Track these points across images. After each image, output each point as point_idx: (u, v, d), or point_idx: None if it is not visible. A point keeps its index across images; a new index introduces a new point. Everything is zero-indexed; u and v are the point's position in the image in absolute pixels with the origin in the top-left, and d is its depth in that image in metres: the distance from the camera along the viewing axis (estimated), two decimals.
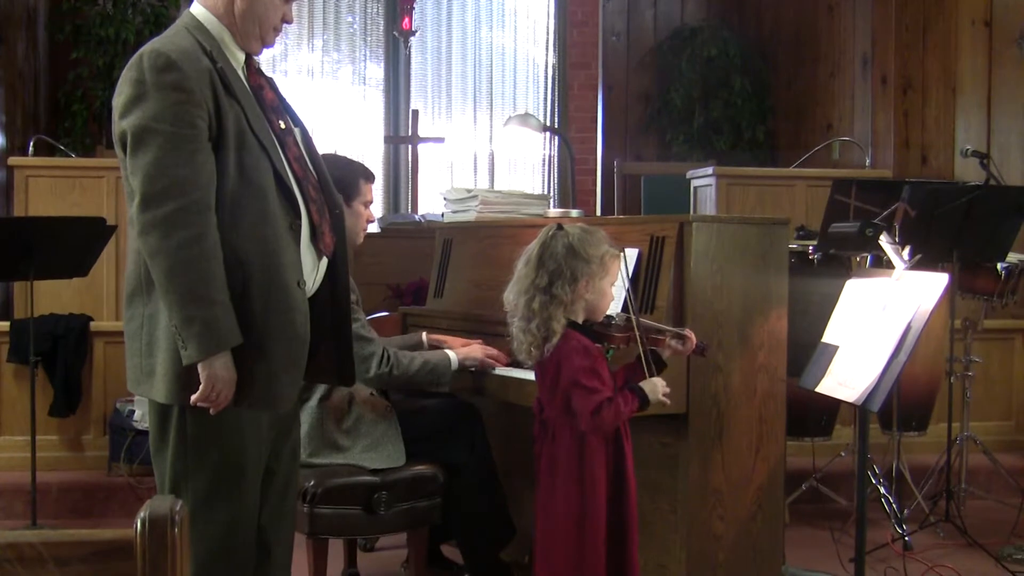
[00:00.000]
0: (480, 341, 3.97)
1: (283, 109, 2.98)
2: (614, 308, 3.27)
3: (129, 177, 2.71)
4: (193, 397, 2.67)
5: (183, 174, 2.64)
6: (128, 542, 1.29)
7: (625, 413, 3.04)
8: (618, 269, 3.15)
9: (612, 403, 3.00)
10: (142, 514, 1.30)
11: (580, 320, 3.09)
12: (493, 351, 3.87)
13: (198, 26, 2.82)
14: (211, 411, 2.70)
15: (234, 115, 2.75)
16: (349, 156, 4.05)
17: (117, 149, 2.76)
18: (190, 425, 2.76)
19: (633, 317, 3.12)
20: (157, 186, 2.64)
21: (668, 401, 3.15)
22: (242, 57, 2.89)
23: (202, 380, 2.66)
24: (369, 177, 3.95)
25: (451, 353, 3.87)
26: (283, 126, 2.91)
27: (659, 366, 3.16)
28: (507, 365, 3.84)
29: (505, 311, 3.17)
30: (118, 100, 2.73)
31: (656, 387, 3.10)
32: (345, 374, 3.06)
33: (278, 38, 3.03)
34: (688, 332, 3.19)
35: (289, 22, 2.93)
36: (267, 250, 2.74)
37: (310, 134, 3.06)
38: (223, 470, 2.79)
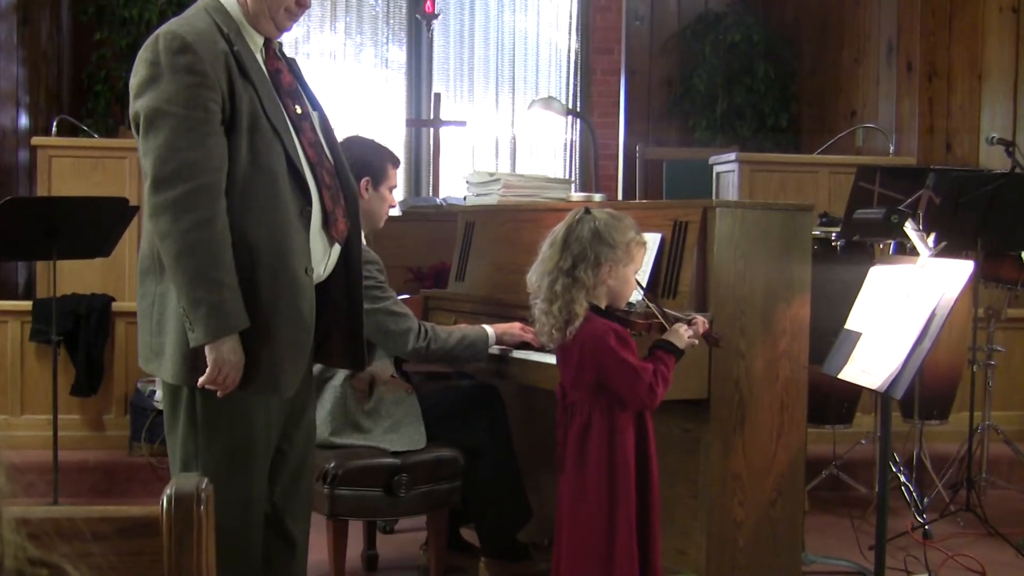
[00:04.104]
0: (520, 325, 3.93)
1: (301, 93, 2.97)
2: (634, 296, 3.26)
3: (142, 158, 2.72)
4: (200, 380, 2.69)
5: (194, 157, 2.65)
6: (154, 519, 1.29)
7: (670, 376, 3.04)
8: (643, 257, 3.14)
9: (656, 373, 3.00)
10: (168, 491, 1.31)
11: (602, 305, 3.08)
12: (531, 331, 3.84)
13: (218, 7, 2.81)
14: (218, 394, 2.71)
15: (248, 98, 2.74)
16: (374, 139, 4.04)
17: (132, 130, 2.77)
18: (200, 406, 2.79)
19: (653, 306, 3.12)
20: (168, 168, 2.65)
21: (696, 341, 3.15)
22: (260, 40, 2.88)
23: (208, 363, 2.68)
24: (395, 162, 3.97)
25: (488, 328, 3.85)
26: (299, 111, 2.90)
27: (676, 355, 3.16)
28: (540, 348, 3.82)
29: (528, 292, 3.16)
30: (133, 80, 2.75)
31: (680, 334, 3.10)
32: (357, 359, 3.07)
33: (300, 21, 3.01)
34: (699, 318, 3.17)
35: (305, 6, 2.90)
36: (276, 236, 2.75)
37: (329, 119, 3.06)
38: (232, 451, 2.81)
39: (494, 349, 3.85)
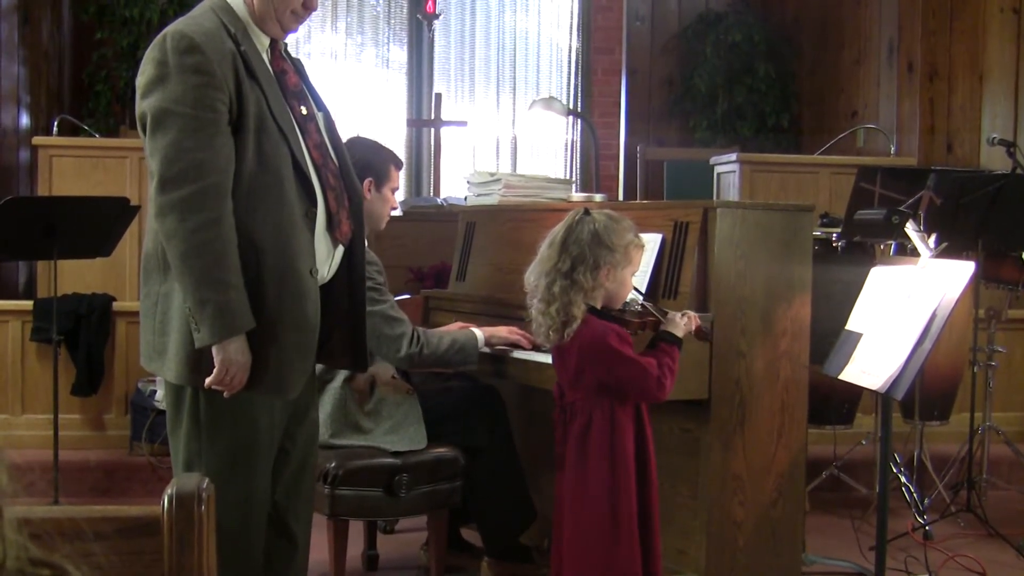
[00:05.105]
0: (507, 328, 3.95)
1: (306, 94, 2.97)
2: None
3: (148, 158, 2.72)
4: (208, 380, 2.69)
5: (201, 157, 2.65)
6: (155, 519, 1.29)
7: (676, 366, 3.06)
8: (640, 259, 3.14)
9: (663, 366, 3.01)
10: (169, 491, 1.31)
11: (598, 306, 3.08)
12: (518, 332, 3.85)
13: (224, 7, 2.81)
14: (225, 394, 2.71)
15: (255, 99, 2.74)
16: (377, 140, 4.05)
17: (139, 129, 2.77)
18: (203, 406, 2.79)
19: (647, 303, 3.12)
20: (175, 168, 2.64)
21: (693, 326, 3.16)
22: (267, 40, 2.88)
23: (216, 363, 2.68)
24: (398, 164, 3.99)
25: (477, 332, 3.86)
26: (305, 112, 2.90)
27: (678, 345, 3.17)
28: (532, 348, 3.83)
29: (525, 291, 3.16)
30: (140, 80, 2.74)
31: (677, 323, 3.12)
32: (358, 360, 3.07)
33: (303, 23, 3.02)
34: (689, 313, 3.17)
35: (312, 9, 2.90)
36: (281, 237, 2.75)
37: (334, 120, 3.06)
38: (235, 451, 2.81)
39: (490, 350, 3.86)
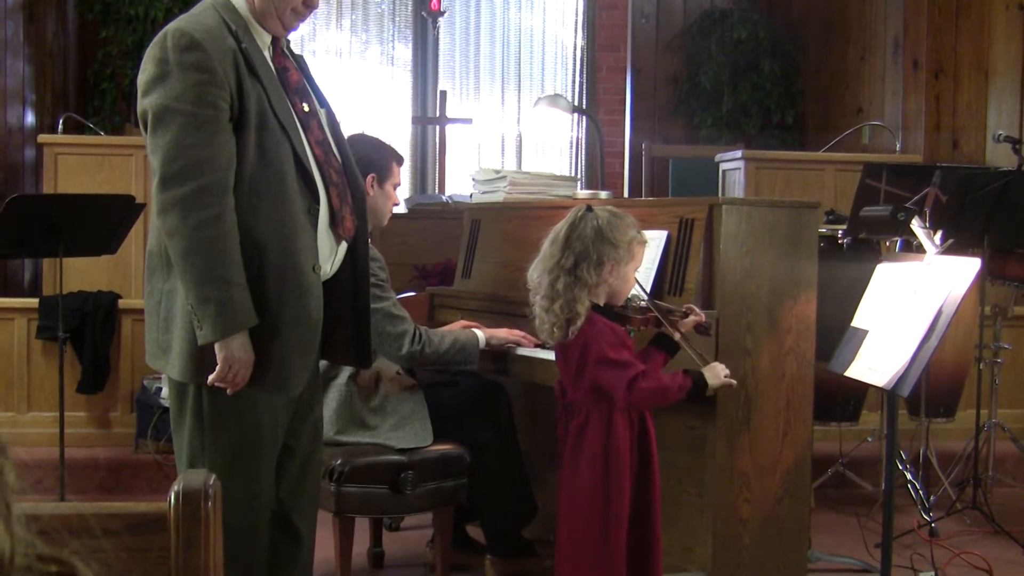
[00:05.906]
0: (507, 330, 3.96)
1: (309, 91, 2.97)
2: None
3: (150, 156, 2.72)
4: (210, 378, 2.69)
5: (202, 155, 2.65)
6: (162, 515, 1.29)
7: (673, 390, 3.01)
8: (643, 255, 3.13)
9: (649, 377, 2.98)
10: (176, 487, 1.31)
11: (601, 303, 3.07)
12: (519, 332, 3.86)
13: (226, 4, 2.81)
14: (228, 391, 2.72)
15: (256, 96, 2.74)
16: (379, 137, 4.07)
17: (141, 127, 2.77)
18: (206, 403, 2.80)
19: (648, 301, 3.12)
20: (176, 166, 2.65)
21: (734, 382, 3.13)
22: (268, 37, 2.88)
23: (219, 361, 2.68)
24: (399, 160, 3.99)
25: (479, 332, 3.87)
26: (307, 108, 2.90)
27: (671, 348, 3.15)
28: (535, 347, 3.83)
29: (528, 289, 3.15)
30: (141, 78, 2.74)
31: (718, 371, 3.07)
32: (362, 356, 3.06)
33: (306, 21, 3.01)
34: (694, 308, 3.16)
35: (313, 7, 2.90)
36: (283, 233, 2.75)
37: (336, 117, 3.05)
38: (238, 448, 2.82)
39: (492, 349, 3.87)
